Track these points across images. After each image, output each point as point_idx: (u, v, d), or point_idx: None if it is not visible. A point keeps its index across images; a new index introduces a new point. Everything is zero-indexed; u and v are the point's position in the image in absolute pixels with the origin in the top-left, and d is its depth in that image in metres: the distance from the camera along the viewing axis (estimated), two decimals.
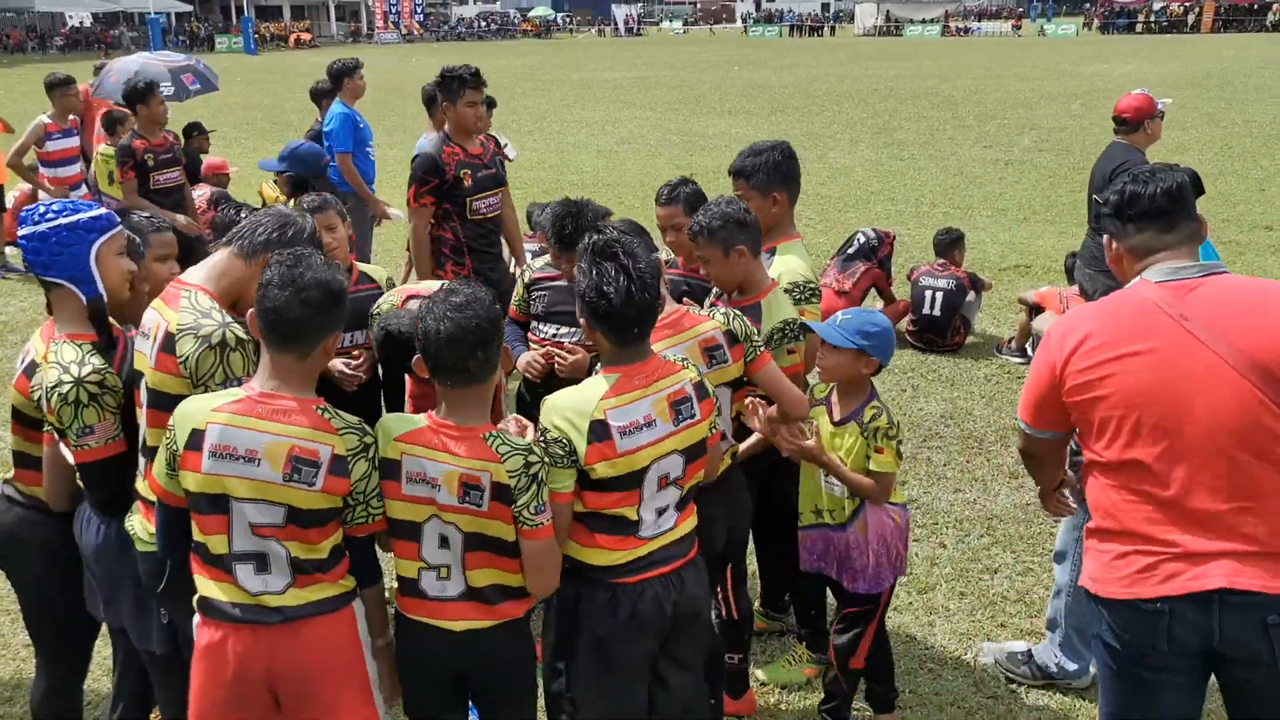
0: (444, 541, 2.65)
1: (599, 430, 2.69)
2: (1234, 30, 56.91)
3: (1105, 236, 2.78)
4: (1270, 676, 2.49)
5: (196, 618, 2.65)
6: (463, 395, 2.63)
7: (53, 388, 2.84)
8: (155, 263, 3.42)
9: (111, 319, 3.06)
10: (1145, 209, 2.66)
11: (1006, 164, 16.27)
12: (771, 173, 3.83)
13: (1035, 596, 4.66)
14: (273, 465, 2.50)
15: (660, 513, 2.85)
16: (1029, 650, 4.16)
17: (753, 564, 4.40)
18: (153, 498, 2.79)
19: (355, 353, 4.07)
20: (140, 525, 2.92)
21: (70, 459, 2.98)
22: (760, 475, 3.76)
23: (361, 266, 4.37)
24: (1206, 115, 21.02)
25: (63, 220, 2.90)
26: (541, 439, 2.70)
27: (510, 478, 2.57)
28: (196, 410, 2.55)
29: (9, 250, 11.41)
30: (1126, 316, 2.60)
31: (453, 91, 5.51)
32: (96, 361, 2.87)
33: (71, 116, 9.82)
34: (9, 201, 11.83)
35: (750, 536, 3.83)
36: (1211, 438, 2.48)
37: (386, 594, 2.83)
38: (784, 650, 4.30)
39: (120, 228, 3.03)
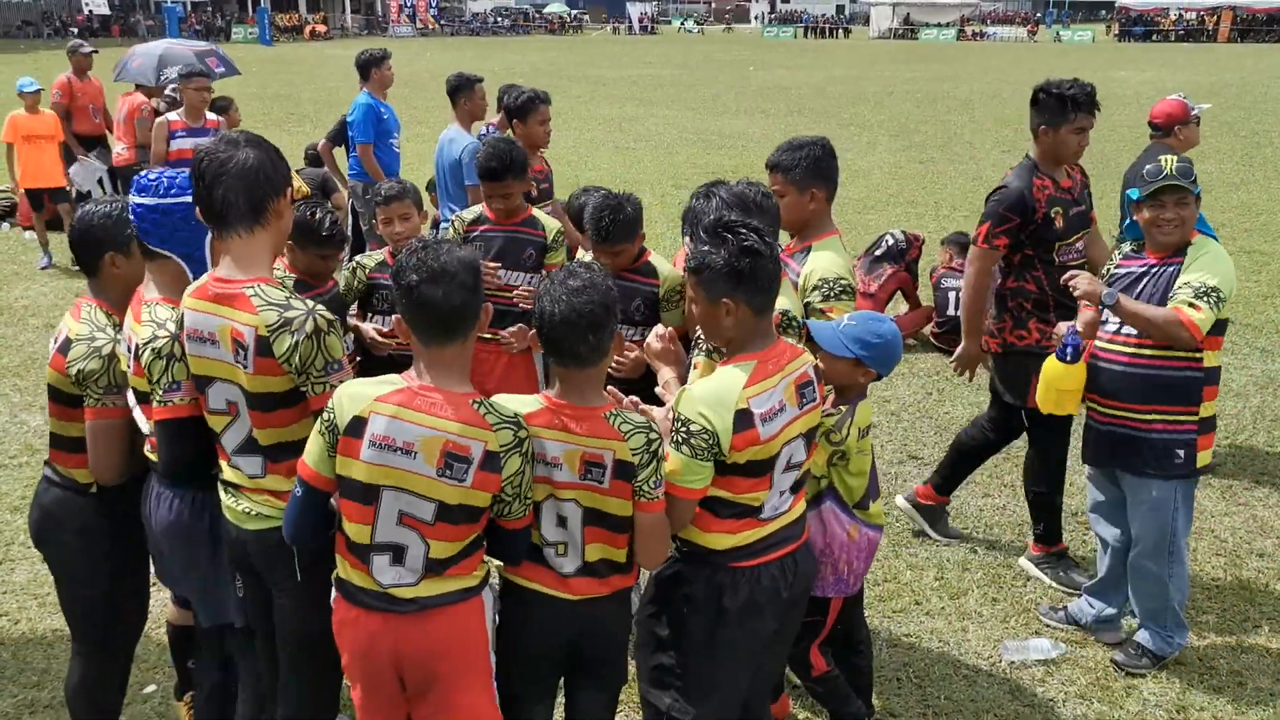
0: (561, 520, 2.68)
1: (744, 420, 2.70)
2: (1251, 40, 56.68)
3: None
4: None
5: (334, 592, 2.69)
6: (577, 376, 2.64)
7: (146, 343, 2.82)
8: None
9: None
10: None
11: None
12: (810, 169, 3.75)
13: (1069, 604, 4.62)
14: (427, 459, 2.49)
15: (781, 495, 2.88)
16: (1137, 643, 4.22)
17: None
18: (239, 482, 2.83)
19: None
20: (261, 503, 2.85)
21: (145, 426, 2.94)
22: None
23: None
24: (1226, 124, 20.91)
25: (188, 198, 2.84)
26: (684, 430, 2.68)
27: (634, 455, 2.61)
28: (359, 395, 2.53)
29: (28, 235, 11.40)
30: None
31: (1058, 114, 4.53)
32: None
33: (212, 116, 8.94)
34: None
35: None
36: None
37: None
38: None
39: None
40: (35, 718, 3.91)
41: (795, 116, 23.13)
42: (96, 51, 11.69)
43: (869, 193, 14.19)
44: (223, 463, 2.91)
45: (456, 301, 2.48)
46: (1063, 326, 4.07)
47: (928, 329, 8.15)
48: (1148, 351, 3.88)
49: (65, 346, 3.04)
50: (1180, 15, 61.17)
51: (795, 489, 2.94)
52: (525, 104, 6.09)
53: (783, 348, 2.86)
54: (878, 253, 8.05)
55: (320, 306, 2.72)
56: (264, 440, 2.79)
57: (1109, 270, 4.13)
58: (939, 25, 66.91)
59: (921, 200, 13.77)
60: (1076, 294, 3.97)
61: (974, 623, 4.52)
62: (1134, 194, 3.94)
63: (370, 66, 8.35)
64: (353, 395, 2.54)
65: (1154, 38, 60.07)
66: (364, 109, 8.24)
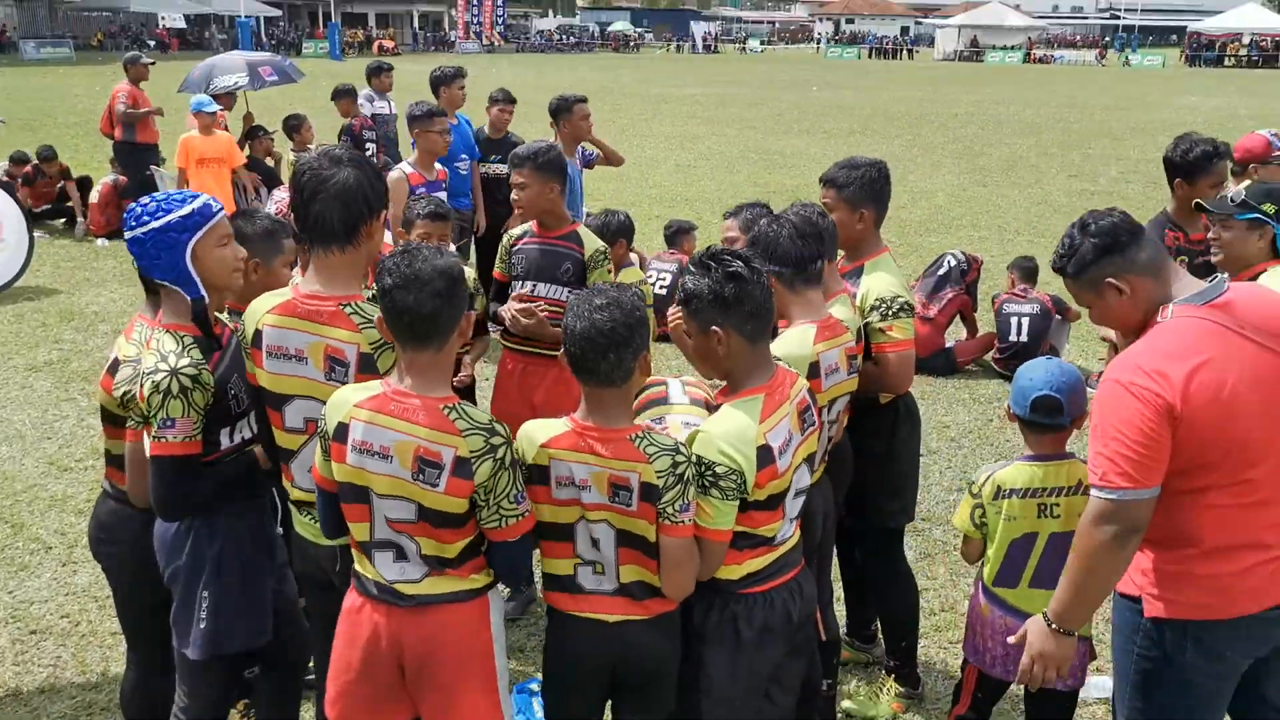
0: (594, 542, 2.66)
1: (765, 456, 2.67)
2: None
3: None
4: None
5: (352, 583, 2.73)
6: (600, 395, 2.62)
7: (148, 374, 2.80)
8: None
9: (218, 315, 3.05)
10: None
11: (1093, 194, 15.92)
12: (864, 188, 3.75)
13: None
14: (402, 463, 2.52)
15: (790, 523, 2.85)
16: None
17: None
18: (299, 496, 2.92)
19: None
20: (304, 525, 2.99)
21: (148, 450, 2.95)
22: (848, 482, 3.69)
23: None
24: None
25: (155, 224, 2.83)
26: (710, 473, 2.62)
27: (659, 478, 2.56)
28: (341, 401, 2.60)
29: (100, 243, 11.68)
30: (1208, 338, 2.54)
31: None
32: (195, 355, 2.85)
33: (440, 166, 6.88)
34: (93, 196, 12.05)
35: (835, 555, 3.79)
36: None
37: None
38: (870, 681, 4.18)
39: (218, 218, 2.90)
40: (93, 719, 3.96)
41: (858, 136, 23.01)
42: (154, 63, 11.99)
43: (932, 214, 14.04)
44: (287, 483, 2.95)
45: (428, 309, 2.49)
46: None
47: (989, 355, 8.02)
48: None
49: (114, 368, 3.07)
50: (1253, 41, 59.88)
51: (798, 515, 2.92)
52: (1207, 153, 4.77)
53: (782, 376, 2.82)
54: (940, 272, 7.95)
55: None
56: None
57: None
58: (1005, 48, 66.13)
59: (985, 224, 13.60)
60: None
61: None
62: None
63: (440, 84, 8.27)
64: (336, 402, 2.60)
65: (1226, 63, 58.88)
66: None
